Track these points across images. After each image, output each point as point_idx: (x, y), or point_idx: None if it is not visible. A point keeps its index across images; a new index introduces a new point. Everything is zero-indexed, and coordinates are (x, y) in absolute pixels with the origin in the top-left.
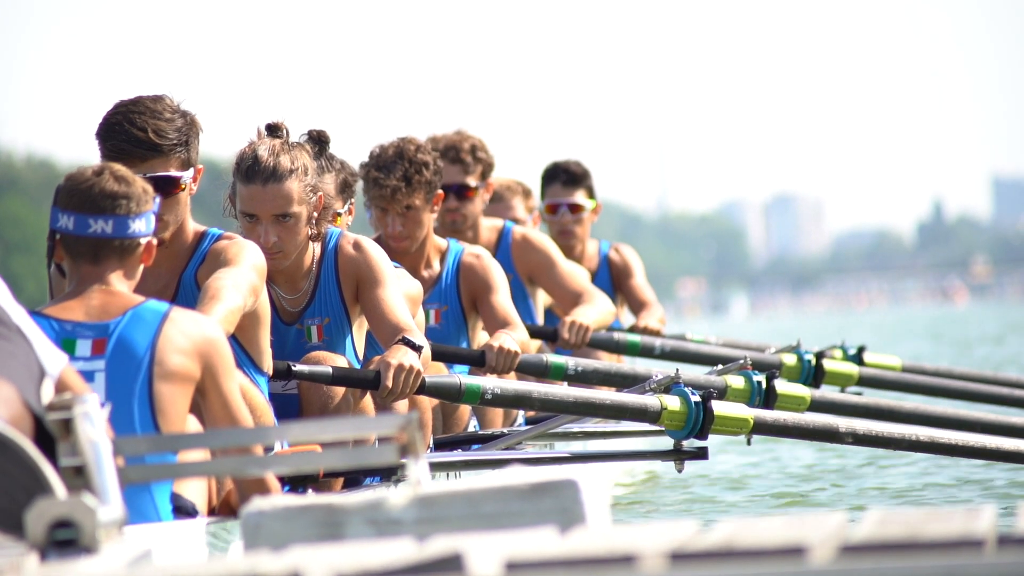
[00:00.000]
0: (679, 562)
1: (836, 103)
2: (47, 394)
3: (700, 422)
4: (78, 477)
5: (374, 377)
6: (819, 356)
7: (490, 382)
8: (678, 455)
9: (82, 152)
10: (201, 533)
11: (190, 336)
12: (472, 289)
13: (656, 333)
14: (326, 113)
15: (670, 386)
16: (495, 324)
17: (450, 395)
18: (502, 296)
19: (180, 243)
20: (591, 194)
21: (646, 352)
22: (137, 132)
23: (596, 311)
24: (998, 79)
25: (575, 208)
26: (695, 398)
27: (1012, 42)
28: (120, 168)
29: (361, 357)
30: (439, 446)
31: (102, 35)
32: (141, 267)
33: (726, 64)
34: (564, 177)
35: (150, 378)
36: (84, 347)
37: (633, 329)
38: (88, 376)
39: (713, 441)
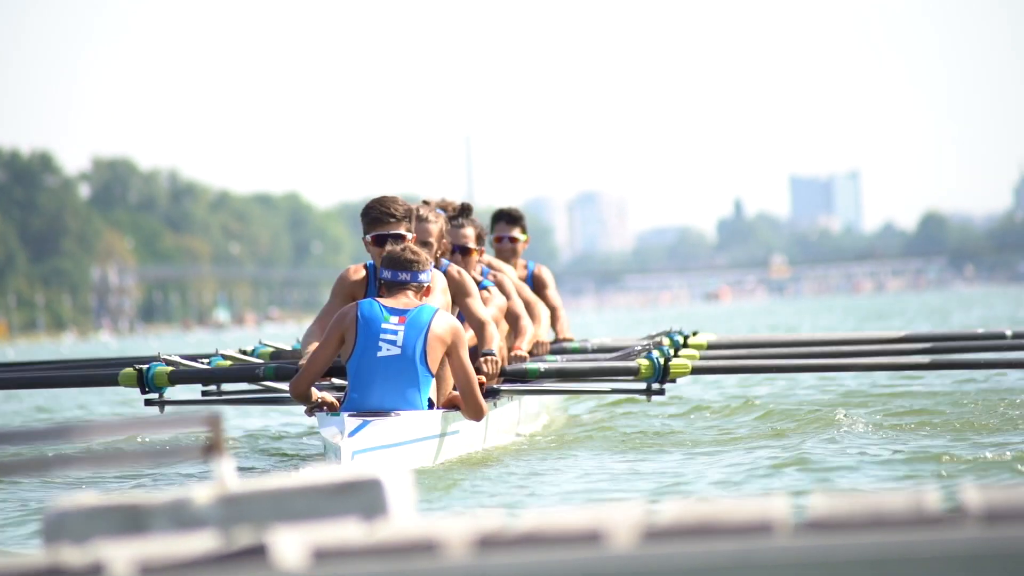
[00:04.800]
0: (484, 549)
1: (639, 103)
2: None
3: (662, 371)
4: None
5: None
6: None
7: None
8: (647, 392)
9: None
10: (439, 418)
11: (447, 323)
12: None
13: (569, 340)
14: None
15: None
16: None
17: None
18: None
19: None
20: (524, 230)
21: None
22: (384, 208)
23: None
24: (795, 82)
25: (514, 240)
26: (659, 358)
27: (807, 48)
28: (414, 246)
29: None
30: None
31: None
32: (424, 299)
33: (531, 62)
34: (508, 218)
35: (426, 338)
36: (394, 320)
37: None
38: (394, 332)
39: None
